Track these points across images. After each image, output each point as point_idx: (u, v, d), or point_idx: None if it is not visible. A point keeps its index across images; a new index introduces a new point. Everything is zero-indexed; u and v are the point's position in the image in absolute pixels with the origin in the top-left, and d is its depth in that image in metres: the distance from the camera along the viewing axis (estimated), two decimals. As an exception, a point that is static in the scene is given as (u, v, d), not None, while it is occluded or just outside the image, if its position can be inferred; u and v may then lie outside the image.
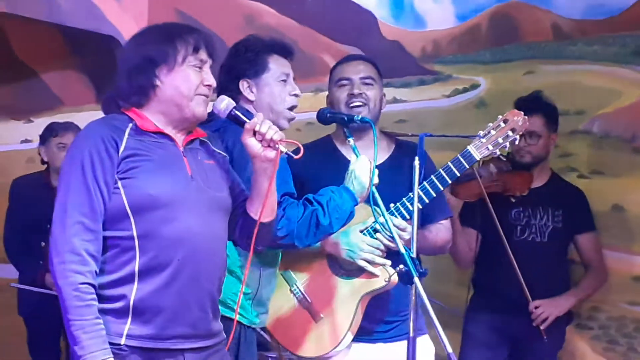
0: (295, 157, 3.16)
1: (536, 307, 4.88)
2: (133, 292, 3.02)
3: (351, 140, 3.79)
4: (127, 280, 3.03)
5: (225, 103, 3.25)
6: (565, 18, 5.63)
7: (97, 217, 3.00)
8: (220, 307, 3.45)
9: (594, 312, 5.38)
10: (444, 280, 5.36)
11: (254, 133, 3.14)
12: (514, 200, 4.97)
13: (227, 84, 3.75)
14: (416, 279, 3.27)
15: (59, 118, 6.46)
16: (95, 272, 2.99)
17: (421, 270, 3.30)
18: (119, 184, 3.03)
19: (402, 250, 3.32)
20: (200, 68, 3.17)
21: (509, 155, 5.02)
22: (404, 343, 3.96)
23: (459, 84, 5.85)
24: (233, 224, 3.30)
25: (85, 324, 2.95)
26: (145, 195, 3.03)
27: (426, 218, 4.02)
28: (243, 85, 3.79)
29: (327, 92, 4.18)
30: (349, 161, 3.92)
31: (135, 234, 3.03)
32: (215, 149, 3.32)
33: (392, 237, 3.44)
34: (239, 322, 3.59)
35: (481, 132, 3.89)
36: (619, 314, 5.35)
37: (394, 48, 6.09)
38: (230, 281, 3.54)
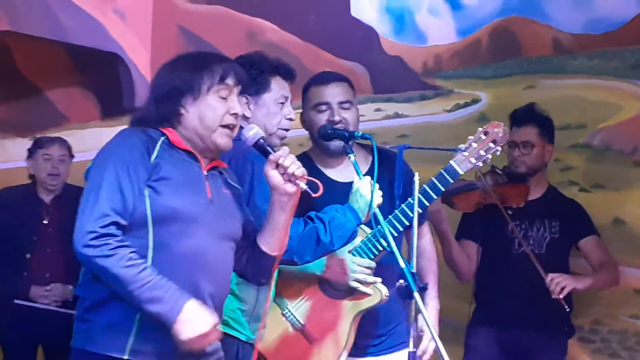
0: (314, 194, 3.19)
1: (552, 279, 4.82)
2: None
3: (352, 157, 3.82)
4: None
5: (254, 132, 3.29)
6: (565, 32, 5.66)
7: (126, 215, 3.04)
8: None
9: (595, 325, 5.38)
10: (444, 294, 5.37)
11: (277, 165, 3.18)
12: (510, 213, 4.97)
13: None
14: (416, 294, 3.28)
15: (64, 135, 6.48)
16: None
17: (421, 285, 3.31)
18: (147, 192, 3.07)
19: (402, 265, 3.34)
20: (225, 98, 3.21)
21: (505, 168, 5.04)
22: (393, 356, 4.05)
23: (460, 98, 5.88)
24: (240, 255, 3.34)
25: (155, 281, 2.98)
26: (169, 208, 3.07)
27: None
28: (242, 101, 3.80)
29: None
30: (329, 178, 4.03)
31: (151, 244, 3.06)
32: (231, 181, 3.35)
33: (393, 253, 3.45)
34: (237, 338, 3.63)
35: (462, 146, 3.89)
36: (621, 327, 5.35)
37: (395, 63, 6.12)
38: (228, 298, 3.57)
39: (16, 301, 5.71)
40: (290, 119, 3.92)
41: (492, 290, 5.02)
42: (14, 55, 7.19)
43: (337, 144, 3.98)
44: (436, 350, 3.23)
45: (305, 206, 3.73)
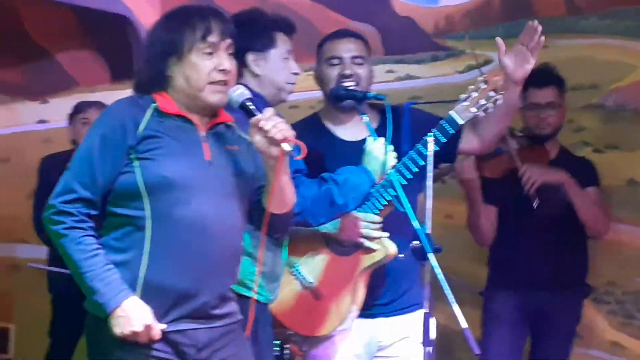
0: (297, 157, 3.15)
1: (525, 170, 4.84)
2: (142, 271, 3.05)
3: (365, 118, 3.80)
4: (138, 259, 3.06)
5: (238, 93, 3.21)
6: (578, -8, 5.62)
7: (96, 189, 3.07)
8: (238, 287, 3.47)
9: (610, 286, 5.37)
10: (462, 258, 5.36)
11: (259, 129, 3.13)
12: (530, 176, 4.95)
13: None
14: (430, 255, 3.27)
15: (75, 98, 6.50)
16: (93, 227, 3.07)
17: (435, 247, 3.29)
18: (136, 163, 3.07)
19: (416, 225, 3.32)
20: (211, 53, 3.15)
21: (523, 131, 5.01)
22: (405, 317, 4.02)
23: (472, 59, 5.81)
24: (252, 210, 3.30)
25: (97, 271, 3.02)
26: (160, 177, 3.05)
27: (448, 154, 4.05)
28: (250, 58, 3.79)
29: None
30: (337, 137, 4.02)
31: (149, 213, 3.05)
32: (242, 134, 3.29)
33: (407, 212, 3.43)
34: (256, 301, 3.60)
35: (462, 96, 3.85)
36: (635, 288, 5.34)
37: (406, 24, 6.07)
38: (247, 261, 3.56)
39: (30, 264, 5.73)
40: (296, 73, 3.88)
41: (510, 253, 5.00)
42: (23, 19, 7.16)
43: (349, 102, 3.96)
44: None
45: (316, 168, 3.73)
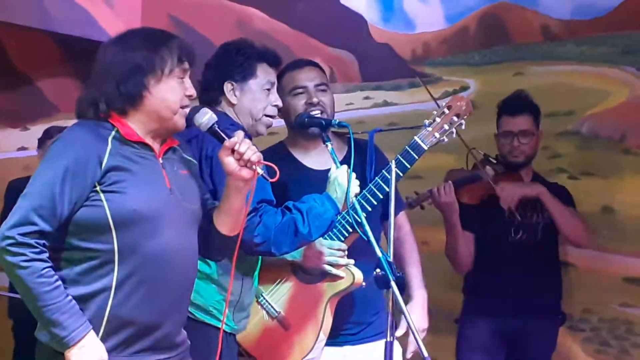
0: (271, 179, 3.13)
1: (502, 189, 4.85)
2: (108, 305, 3.01)
3: (329, 145, 3.79)
4: (104, 293, 3.01)
5: (207, 117, 3.21)
6: (553, 19, 5.60)
7: (55, 222, 2.97)
8: (202, 314, 3.45)
9: (585, 314, 5.35)
10: (439, 285, 5.32)
11: (232, 151, 3.11)
12: (505, 201, 4.95)
13: (211, 83, 3.77)
14: (393, 283, 3.25)
15: (55, 125, 6.49)
16: (50, 258, 2.98)
17: (397, 275, 3.28)
18: (102, 196, 3.00)
19: (379, 254, 3.30)
20: (182, 78, 3.15)
21: (498, 157, 5.00)
22: (372, 345, 4.03)
23: (448, 86, 5.81)
24: (206, 235, 3.27)
25: (60, 304, 2.94)
26: (130, 211, 3.00)
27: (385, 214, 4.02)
28: (227, 87, 3.78)
29: None
30: (304, 165, 4.02)
31: (116, 247, 3.00)
32: (186, 156, 3.29)
33: (369, 241, 3.41)
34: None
35: (427, 121, 3.87)
36: (611, 315, 5.31)
37: (384, 51, 6.07)
38: (212, 289, 3.55)
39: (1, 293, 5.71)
40: (277, 106, 3.87)
41: (487, 279, 4.99)
42: (5, 45, 7.17)
43: (313, 129, 3.96)
44: (417, 342, 3.17)
45: (282, 195, 3.71)
